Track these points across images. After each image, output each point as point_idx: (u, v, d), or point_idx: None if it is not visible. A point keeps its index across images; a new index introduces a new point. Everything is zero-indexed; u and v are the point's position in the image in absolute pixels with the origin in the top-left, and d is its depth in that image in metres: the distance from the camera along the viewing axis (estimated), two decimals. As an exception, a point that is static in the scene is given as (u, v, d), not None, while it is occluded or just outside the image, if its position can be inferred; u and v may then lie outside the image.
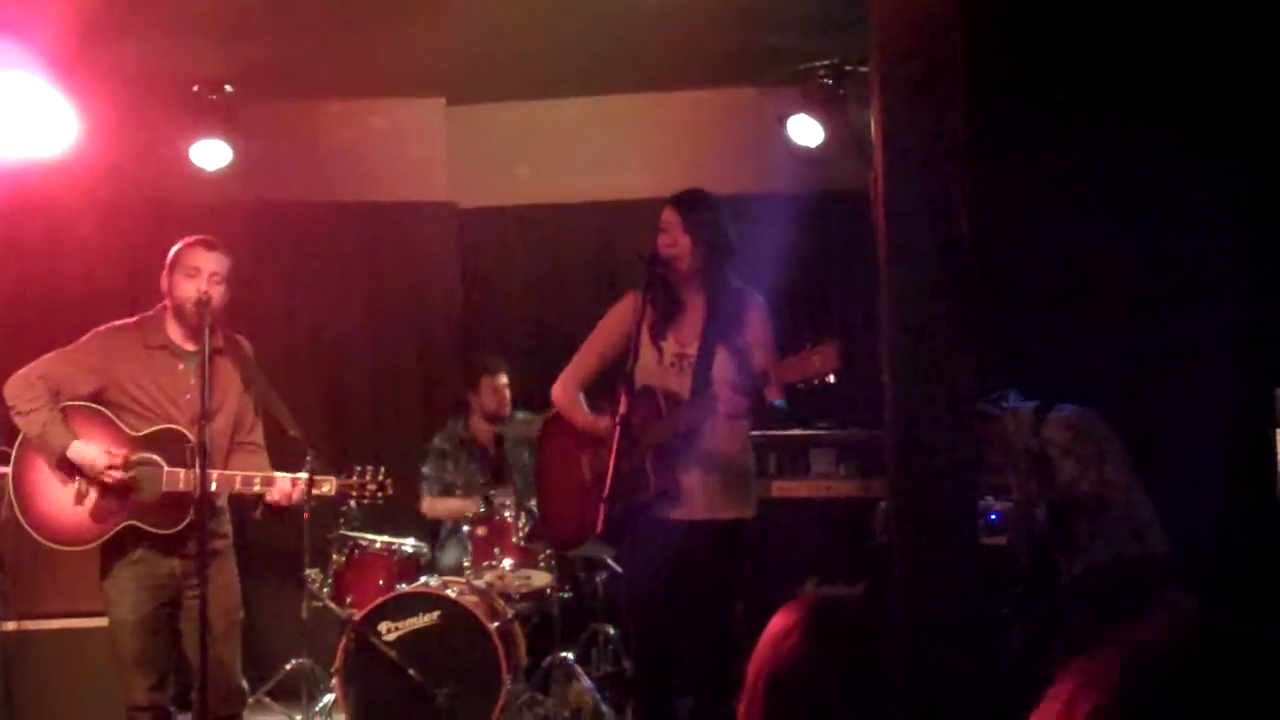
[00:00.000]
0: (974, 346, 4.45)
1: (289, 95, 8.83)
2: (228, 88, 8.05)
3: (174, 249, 5.74)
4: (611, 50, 8.10)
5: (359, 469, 5.88)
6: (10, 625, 6.92)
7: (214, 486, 5.56)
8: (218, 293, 5.66)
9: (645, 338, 5.60)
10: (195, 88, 8.03)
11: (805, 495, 7.44)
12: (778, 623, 3.31)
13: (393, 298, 9.14)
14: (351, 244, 9.08)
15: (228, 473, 5.65)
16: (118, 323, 5.77)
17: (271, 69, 8.17)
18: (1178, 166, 6.42)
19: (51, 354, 5.67)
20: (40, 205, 7.90)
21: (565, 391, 5.83)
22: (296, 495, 5.68)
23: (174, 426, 5.59)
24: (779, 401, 5.39)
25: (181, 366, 5.72)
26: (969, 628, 4.33)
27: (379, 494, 5.91)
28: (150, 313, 5.80)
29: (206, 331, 5.48)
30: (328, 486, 5.77)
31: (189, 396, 5.64)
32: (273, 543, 7.91)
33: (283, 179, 8.86)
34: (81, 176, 7.61)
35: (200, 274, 5.63)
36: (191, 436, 5.52)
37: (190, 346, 5.72)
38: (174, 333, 5.75)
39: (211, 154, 8.19)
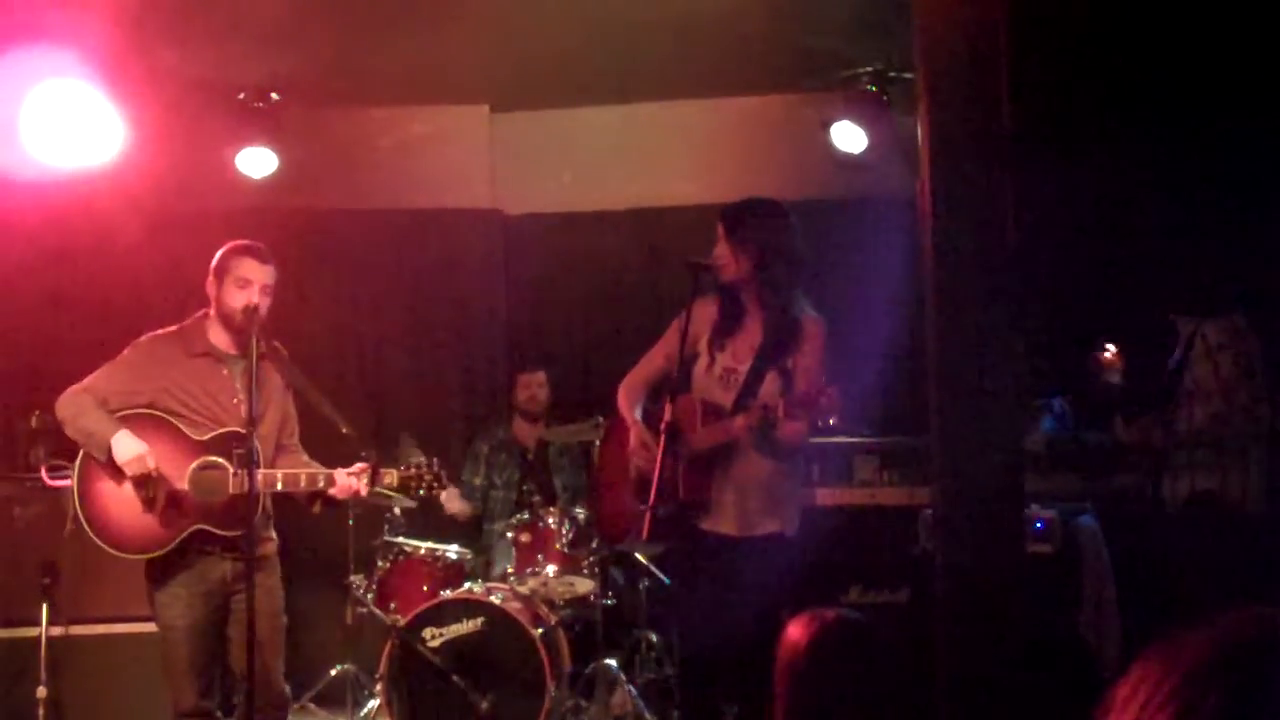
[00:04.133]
0: (1020, 352, 4.45)
1: (334, 102, 8.87)
2: (273, 95, 8.09)
3: (221, 255, 5.75)
4: (655, 57, 8.10)
5: (415, 462, 5.89)
6: (58, 630, 6.97)
7: (279, 486, 5.63)
8: (265, 304, 5.68)
9: (703, 344, 5.63)
10: (241, 95, 8.09)
11: (848, 503, 7.41)
12: (792, 634, 3.33)
13: (437, 304, 9.16)
14: (396, 251, 9.11)
15: (292, 471, 5.70)
16: (159, 332, 5.79)
17: (317, 76, 8.21)
18: (1236, 172, 6.40)
19: (97, 372, 5.68)
20: (87, 212, 7.94)
21: (626, 391, 5.83)
22: (363, 488, 5.75)
23: (235, 429, 5.59)
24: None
25: (225, 372, 5.74)
26: (1013, 635, 4.32)
27: (435, 484, 5.94)
28: (189, 321, 5.82)
29: (254, 341, 5.49)
30: (390, 478, 5.82)
31: (235, 401, 5.66)
32: (318, 549, 7.96)
33: (328, 186, 8.91)
34: (128, 184, 7.64)
35: (252, 286, 5.66)
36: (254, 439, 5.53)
37: (234, 352, 5.75)
38: (217, 339, 5.76)
39: (257, 161, 8.24)
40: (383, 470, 5.78)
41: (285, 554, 7.68)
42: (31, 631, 6.96)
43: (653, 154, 9.10)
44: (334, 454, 5.85)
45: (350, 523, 7.43)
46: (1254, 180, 6.49)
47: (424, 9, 7.30)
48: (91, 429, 5.55)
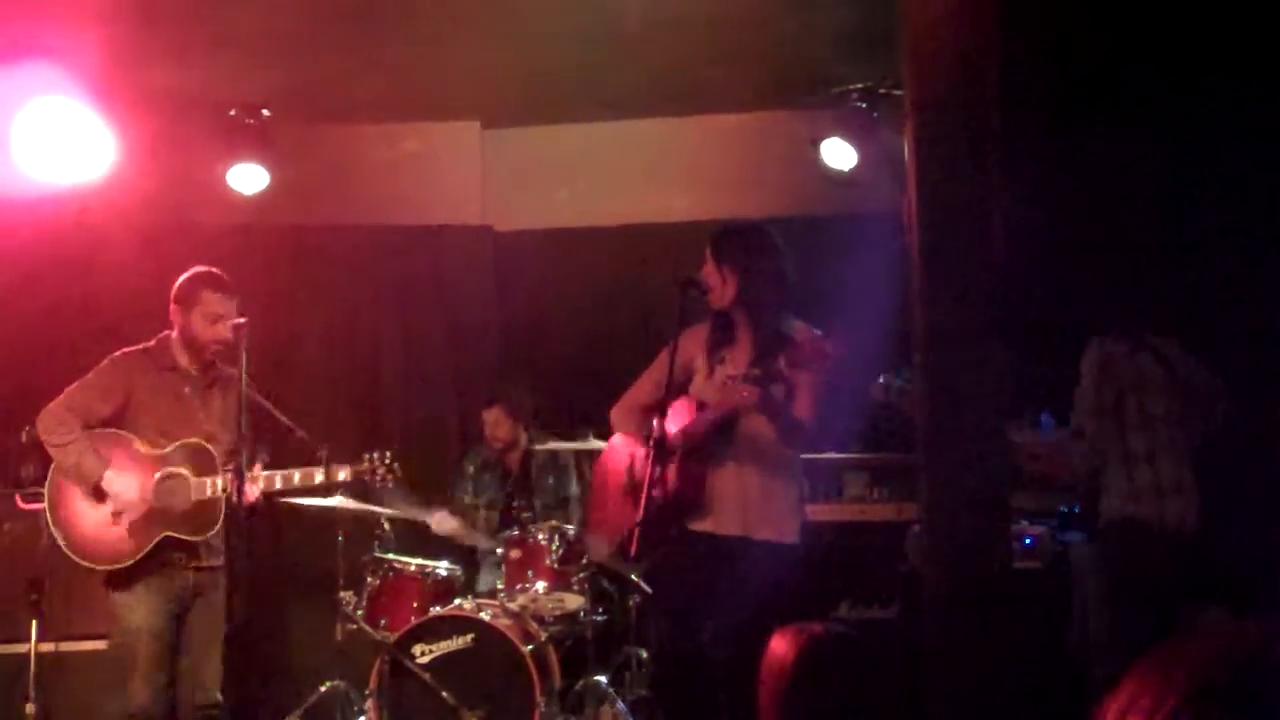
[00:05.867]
0: (1007, 369, 4.45)
1: (325, 119, 8.88)
2: (264, 112, 8.09)
3: (186, 284, 6.10)
4: (646, 74, 8.12)
5: (367, 456, 6.27)
6: (47, 646, 6.97)
7: (264, 486, 6.02)
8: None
9: (699, 362, 5.69)
10: (232, 112, 8.09)
11: (838, 519, 7.42)
12: (778, 648, 3.33)
13: (428, 321, 9.15)
14: (387, 267, 9.10)
15: (269, 473, 6.04)
16: (130, 349, 6.11)
17: (308, 93, 8.22)
18: (1221, 191, 6.42)
19: (73, 387, 6.00)
20: (78, 228, 7.96)
21: (619, 416, 5.91)
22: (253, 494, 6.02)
23: (196, 440, 5.98)
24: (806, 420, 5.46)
25: (188, 390, 6.12)
26: (1001, 651, 4.32)
27: (389, 476, 6.31)
28: (154, 341, 6.15)
29: (244, 358, 5.75)
30: (344, 473, 6.17)
31: (199, 417, 6.07)
32: (308, 565, 7.96)
33: (319, 203, 8.91)
34: (119, 200, 7.67)
35: (222, 320, 6.01)
36: (212, 449, 5.95)
37: (195, 373, 6.13)
38: (182, 360, 6.12)
39: (248, 178, 8.24)
40: (336, 466, 6.11)
41: (275, 571, 7.73)
42: (21, 648, 6.96)
43: (643, 170, 9.12)
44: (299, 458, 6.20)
45: (340, 539, 7.42)
46: (1248, 190, 6.52)
47: (415, 26, 7.32)
48: (78, 462, 5.90)
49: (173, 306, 6.08)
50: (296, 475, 6.07)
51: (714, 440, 5.54)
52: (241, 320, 5.86)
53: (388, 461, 6.29)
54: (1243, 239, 6.50)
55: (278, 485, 6.02)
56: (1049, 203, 6.52)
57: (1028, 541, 6.66)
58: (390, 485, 6.42)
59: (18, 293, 7.95)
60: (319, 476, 6.08)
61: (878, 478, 7.51)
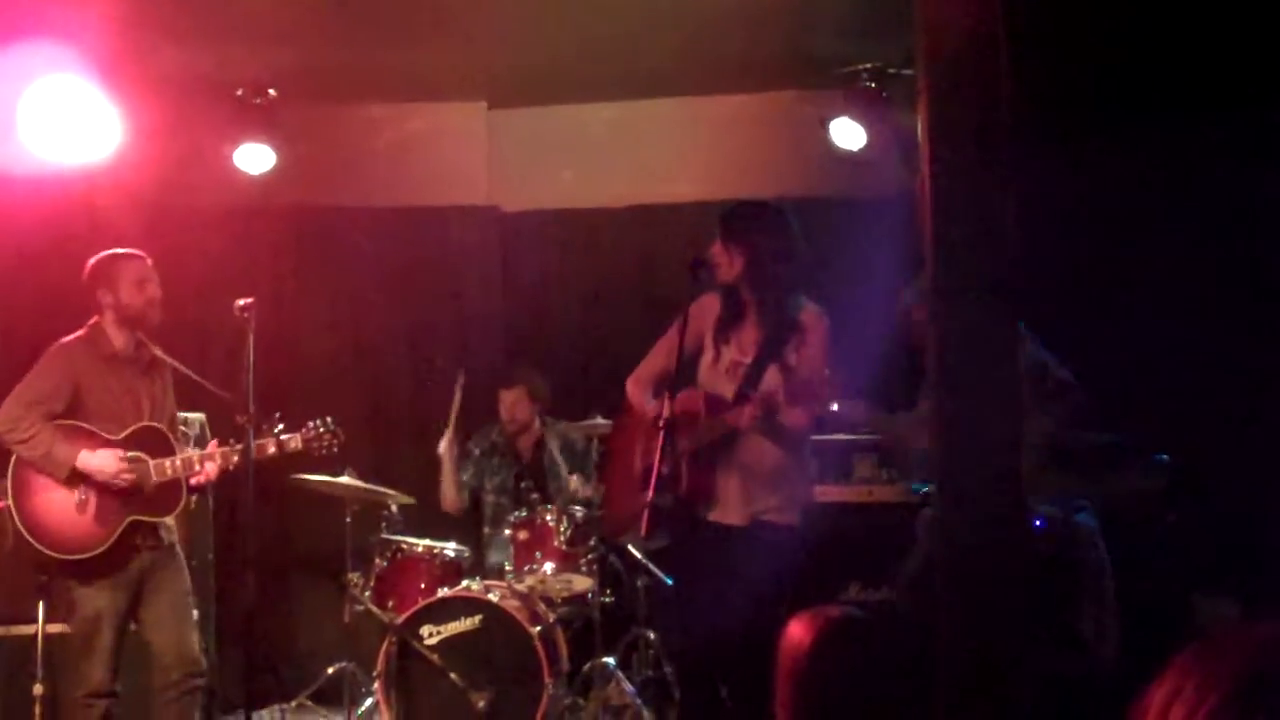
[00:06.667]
0: (1020, 350, 4.44)
1: (331, 99, 8.85)
2: (271, 92, 8.08)
3: (103, 265, 6.11)
4: (653, 54, 8.09)
5: (311, 424, 6.30)
6: (56, 627, 6.96)
7: (222, 463, 6.08)
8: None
9: (708, 339, 5.70)
10: (239, 92, 8.07)
11: (847, 500, 7.40)
12: (796, 633, 3.31)
13: (434, 302, 9.14)
14: (393, 248, 9.08)
15: (225, 449, 6.10)
16: (67, 339, 6.10)
17: (314, 73, 8.20)
18: (1232, 169, 6.40)
19: (24, 383, 5.99)
20: (84, 209, 7.94)
21: (633, 386, 5.92)
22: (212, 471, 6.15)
23: (148, 424, 6.05)
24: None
25: (126, 373, 6.12)
26: (1011, 633, 4.31)
27: (334, 442, 6.34)
28: (85, 330, 6.12)
29: (250, 336, 5.88)
30: (295, 441, 6.23)
31: (141, 400, 6.10)
32: (315, 546, 7.95)
33: (325, 183, 8.89)
34: (125, 180, 7.65)
35: (149, 283, 6.10)
36: (164, 429, 6.09)
37: (130, 354, 6.13)
38: (118, 341, 6.10)
39: (255, 158, 8.22)
40: (287, 436, 6.19)
41: (282, 552, 7.70)
42: (28, 629, 6.95)
43: (651, 151, 9.09)
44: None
45: (348, 520, 7.42)
46: (1253, 177, 6.50)
47: (421, 6, 7.29)
48: (49, 452, 5.90)
49: (97, 291, 6.07)
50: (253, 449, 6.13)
51: (717, 443, 5.56)
52: (249, 300, 5.94)
53: (331, 427, 6.32)
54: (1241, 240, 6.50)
55: (235, 460, 6.06)
56: (1061, 181, 6.51)
57: (1039, 523, 6.63)
58: (335, 451, 6.45)
59: (24, 272, 7.94)
60: (271, 449, 6.15)
61: (886, 459, 7.49)
